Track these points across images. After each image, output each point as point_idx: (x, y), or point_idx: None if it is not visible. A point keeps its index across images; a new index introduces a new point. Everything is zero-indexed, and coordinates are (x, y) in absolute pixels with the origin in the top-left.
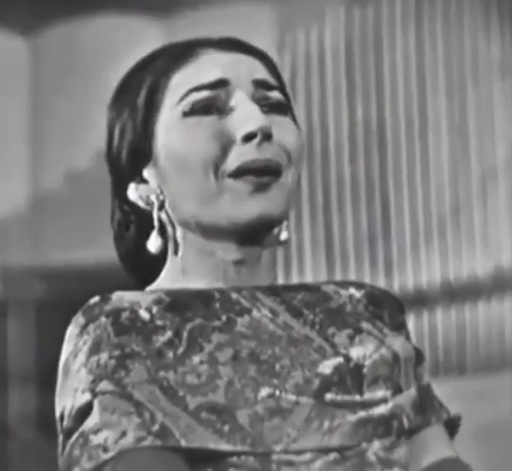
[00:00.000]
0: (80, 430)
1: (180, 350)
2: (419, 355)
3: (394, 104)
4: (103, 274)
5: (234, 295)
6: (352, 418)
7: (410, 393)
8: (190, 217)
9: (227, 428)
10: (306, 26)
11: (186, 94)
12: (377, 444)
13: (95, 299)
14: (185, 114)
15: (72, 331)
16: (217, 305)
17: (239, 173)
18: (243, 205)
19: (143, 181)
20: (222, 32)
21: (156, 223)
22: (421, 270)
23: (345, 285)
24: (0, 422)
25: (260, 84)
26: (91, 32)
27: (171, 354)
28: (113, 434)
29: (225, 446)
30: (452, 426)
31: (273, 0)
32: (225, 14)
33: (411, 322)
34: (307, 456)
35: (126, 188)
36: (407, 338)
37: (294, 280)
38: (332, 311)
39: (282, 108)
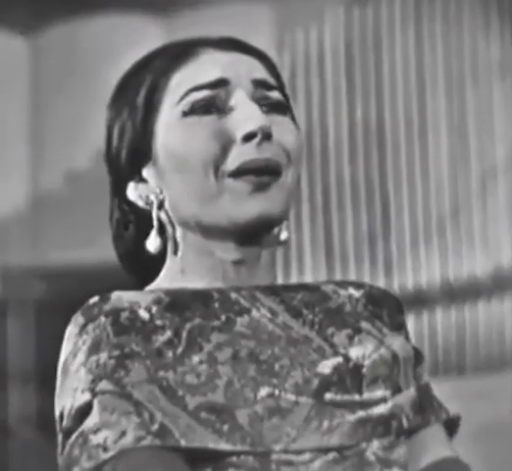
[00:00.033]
0: (80, 430)
1: (180, 350)
2: (418, 355)
3: (394, 104)
4: (103, 274)
5: (234, 295)
6: (351, 418)
7: (409, 393)
8: (190, 217)
9: (226, 428)
10: (305, 25)
11: (186, 94)
12: (376, 444)
13: (94, 299)
14: (185, 113)
15: (71, 330)
16: (216, 305)
17: (239, 172)
18: (243, 205)
19: (142, 180)
20: (221, 32)
21: (155, 222)
22: (420, 270)
23: (344, 284)
24: (0, 422)
25: (259, 84)
26: (91, 32)
27: (170, 354)
28: (112, 433)
29: (224, 446)
30: (451, 426)
31: (272, 0)
32: (224, 13)
33: (411, 322)
34: (306, 456)
35: (125, 188)
36: (406, 337)
37: (294, 280)
38: (331, 311)
39: (282, 108)
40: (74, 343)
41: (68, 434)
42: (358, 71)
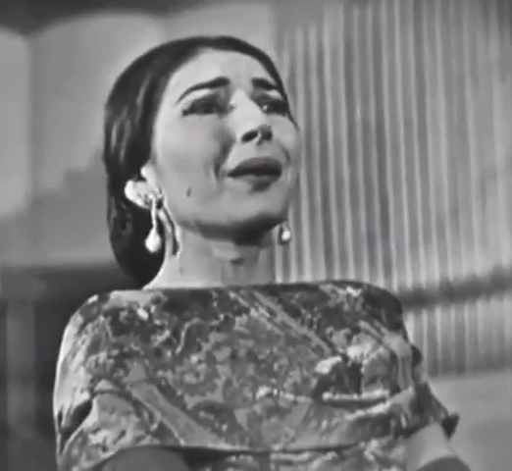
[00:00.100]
0: (79, 429)
1: (179, 350)
2: (416, 354)
3: (393, 104)
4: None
5: (232, 295)
6: (350, 417)
7: (408, 393)
8: (189, 215)
9: (225, 427)
10: (305, 25)
11: (186, 93)
12: (374, 444)
13: (93, 299)
14: (185, 112)
15: (70, 330)
16: (215, 304)
17: (239, 172)
18: (243, 204)
19: (141, 179)
20: (220, 32)
21: (154, 221)
22: (420, 269)
23: (343, 284)
24: (0, 422)
25: (259, 83)
26: (91, 32)
27: (169, 354)
28: (112, 433)
29: (223, 446)
30: (450, 425)
31: (271, 0)
32: (223, 13)
33: (410, 321)
34: (305, 456)
35: (123, 186)
36: (404, 337)
37: (293, 279)
38: (329, 310)
39: (281, 107)
40: (73, 343)
41: (67, 433)
42: (357, 70)
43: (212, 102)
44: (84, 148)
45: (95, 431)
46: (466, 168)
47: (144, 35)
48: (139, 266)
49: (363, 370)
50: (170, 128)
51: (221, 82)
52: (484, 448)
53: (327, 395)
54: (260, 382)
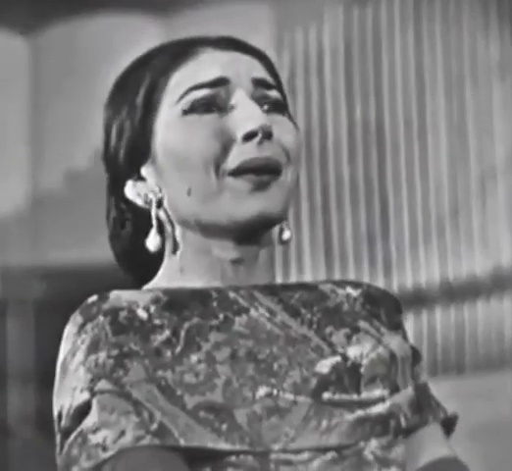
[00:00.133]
0: (79, 429)
1: (178, 349)
2: (416, 354)
3: (393, 104)
4: (103, 273)
5: (232, 294)
6: (350, 417)
7: (407, 393)
8: (190, 215)
9: (225, 427)
10: (305, 25)
11: (186, 93)
12: (374, 443)
13: (93, 298)
14: (185, 112)
15: (69, 330)
16: (214, 304)
17: (240, 171)
18: (243, 203)
19: (141, 178)
20: (220, 32)
21: (154, 221)
22: (420, 269)
23: (342, 284)
24: (0, 421)
25: (259, 83)
26: (91, 32)
27: (169, 353)
28: (112, 433)
29: (223, 446)
30: (449, 425)
31: (271, 0)
32: (223, 13)
33: (410, 321)
34: (305, 455)
35: (122, 186)
36: (404, 337)
37: (293, 279)
38: (329, 310)
39: (281, 107)
40: (72, 343)
41: (66, 433)
42: (357, 70)
43: (212, 102)
44: (84, 148)
45: (95, 431)
46: (466, 168)
47: (144, 35)
48: (139, 266)
49: (362, 370)
50: (170, 127)
51: (221, 82)
52: (483, 448)
53: (326, 395)
54: (260, 381)
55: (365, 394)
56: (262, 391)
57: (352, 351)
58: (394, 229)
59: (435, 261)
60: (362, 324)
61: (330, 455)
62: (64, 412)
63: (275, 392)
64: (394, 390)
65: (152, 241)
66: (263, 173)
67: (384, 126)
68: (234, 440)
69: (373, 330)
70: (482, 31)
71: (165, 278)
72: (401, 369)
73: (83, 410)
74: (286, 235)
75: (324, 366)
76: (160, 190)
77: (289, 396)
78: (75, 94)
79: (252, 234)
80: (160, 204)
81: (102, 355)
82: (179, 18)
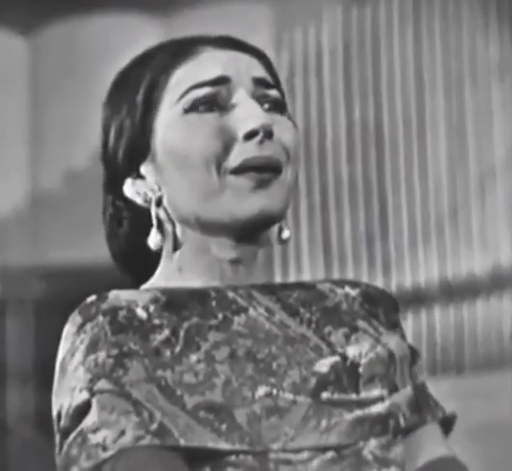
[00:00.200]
0: (79, 429)
1: (178, 349)
2: (414, 354)
3: (392, 104)
4: (102, 273)
5: (231, 294)
6: (349, 417)
7: (406, 392)
8: (190, 213)
9: (224, 427)
10: (304, 25)
11: (187, 91)
12: (373, 443)
13: (92, 298)
14: (186, 111)
15: (69, 329)
16: (213, 304)
17: (241, 169)
18: (244, 201)
19: (140, 177)
20: (219, 31)
21: (154, 220)
22: (419, 269)
23: (341, 283)
24: None
25: (259, 82)
26: (90, 32)
27: (168, 353)
28: (112, 433)
29: (223, 445)
30: (447, 424)
31: None
32: (223, 13)
33: (409, 321)
34: (305, 455)
35: (121, 185)
36: (402, 336)
37: (292, 279)
38: (328, 310)
39: (280, 106)
40: (71, 343)
41: (66, 433)
42: (356, 70)
43: (213, 100)
44: (84, 148)
45: (95, 430)
46: (465, 168)
47: (143, 35)
48: (136, 265)
49: (361, 369)
50: (170, 126)
51: (222, 81)
52: (483, 448)
53: (325, 395)
54: (259, 381)
55: (364, 394)
56: (261, 390)
57: (351, 351)
58: (393, 228)
59: (435, 260)
60: (361, 323)
61: (329, 455)
62: (63, 412)
63: (274, 391)
64: (393, 389)
65: (153, 240)
66: (264, 171)
67: (383, 125)
68: (234, 439)
69: (371, 329)
70: (481, 32)
71: (163, 277)
72: (400, 368)
73: (83, 410)
74: (286, 234)
75: (323, 365)
76: (159, 189)
77: (289, 396)
78: (74, 94)
79: (252, 232)
80: (159, 202)
81: (101, 355)
82: (177, 17)
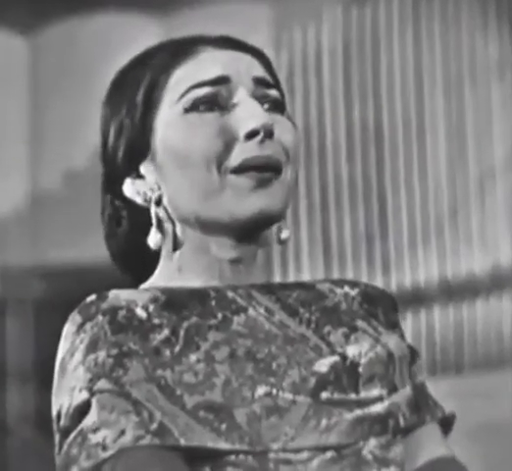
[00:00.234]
0: (79, 428)
1: (177, 349)
2: (413, 354)
3: (392, 103)
4: (102, 273)
5: (230, 294)
6: (349, 416)
7: (405, 392)
8: (190, 212)
9: (224, 427)
10: (303, 25)
11: (187, 91)
12: (373, 443)
13: (92, 298)
14: (187, 110)
15: (68, 329)
16: (213, 303)
17: (242, 169)
18: (245, 201)
19: (139, 176)
20: (219, 31)
21: (154, 219)
22: (418, 269)
23: (340, 283)
24: None
25: (259, 82)
26: (90, 31)
27: (168, 353)
28: (111, 432)
29: (223, 445)
30: (447, 424)
31: None
32: (222, 12)
33: (408, 320)
34: (304, 455)
35: (120, 184)
36: (401, 336)
37: (291, 278)
38: (327, 309)
39: (280, 106)
40: (71, 342)
41: (65, 433)
42: (356, 70)
43: (213, 100)
44: (83, 148)
45: (95, 430)
46: (465, 168)
47: (143, 35)
48: (135, 265)
49: (361, 369)
50: (171, 125)
51: (222, 81)
52: (482, 448)
53: (325, 395)
54: (259, 381)
55: (363, 394)
56: (261, 390)
57: (350, 351)
58: (393, 228)
59: (434, 260)
60: (360, 323)
61: (329, 455)
62: (63, 412)
63: (274, 391)
64: (392, 389)
65: (153, 239)
66: (265, 170)
67: (383, 125)
68: (234, 439)
69: (371, 329)
70: (480, 31)
71: (162, 277)
72: (399, 368)
73: (83, 410)
74: (284, 234)
75: (322, 365)
76: (159, 188)
77: (288, 396)
78: (74, 94)
79: (252, 232)
80: (159, 202)
81: (101, 354)
82: (177, 17)
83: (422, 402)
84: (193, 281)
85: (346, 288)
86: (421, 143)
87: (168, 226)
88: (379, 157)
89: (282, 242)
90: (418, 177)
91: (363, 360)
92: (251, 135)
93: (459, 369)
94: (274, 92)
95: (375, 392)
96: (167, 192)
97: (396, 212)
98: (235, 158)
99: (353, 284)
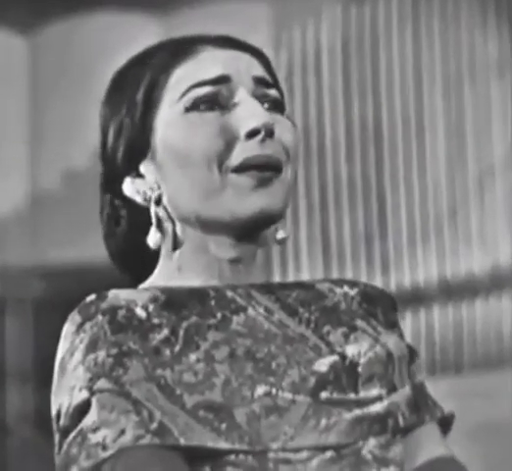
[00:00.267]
0: (78, 428)
1: (177, 348)
2: (412, 353)
3: (391, 102)
4: (102, 272)
5: (230, 293)
6: (348, 416)
7: (405, 392)
8: (190, 212)
9: (224, 426)
10: (303, 24)
11: (188, 90)
12: (372, 442)
13: (91, 297)
14: (187, 109)
15: (68, 329)
16: (212, 303)
17: (243, 168)
18: (246, 200)
19: (139, 175)
20: (219, 30)
21: (154, 219)
22: (418, 268)
23: (339, 282)
24: None
25: (259, 82)
26: (90, 30)
27: (167, 352)
28: (111, 432)
29: (223, 445)
30: (446, 424)
31: None
32: (222, 12)
33: (408, 320)
34: (304, 454)
35: (120, 183)
36: (400, 335)
37: (291, 278)
38: (326, 309)
39: (280, 106)
40: (71, 342)
41: (65, 432)
42: (355, 69)
43: (214, 99)
44: (83, 147)
45: (95, 430)
46: (464, 166)
47: (143, 34)
48: (134, 264)
49: (360, 369)
50: (171, 125)
51: (223, 80)
52: (482, 448)
53: (324, 394)
54: (258, 380)
55: (363, 393)
56: (261, 390)
57: (350, 350)
58: (392, 227)
59: (434, 260)
60: (359, 323)
61: (328, 454)
62: (63, 411)
63: (273, 390)
64: (392, 389)
65: (152, 238)
66: (265, 170)
67: (382, 124)
68: (234, 439)
69: (370, 329)
70: (480, 29)
71: (162, 276)
72: (398, 368)
73: (82, 409)
74: (280, 234)
75: (322, 365)
76: (159, 187)
77: (288, 395)
78: (73, 93)
79: (252, 231)
80: (159, 201)
81: (101, 354)
82: (177, 16)
83: (421, 402)
84: (193, 280)
85: (346, 288)
86: (420, 142)
87: (167, 225)
88: (378, 156)
89: (280, 243)
90: (417, 176)
91: (362, 360)
92: (252, 134)
93: (458, 369)
94: (273, 92)
95: (374, 391)
96: (167, 192)
97: (395, 211)
98: (236, 157)
99: (352, 283)
